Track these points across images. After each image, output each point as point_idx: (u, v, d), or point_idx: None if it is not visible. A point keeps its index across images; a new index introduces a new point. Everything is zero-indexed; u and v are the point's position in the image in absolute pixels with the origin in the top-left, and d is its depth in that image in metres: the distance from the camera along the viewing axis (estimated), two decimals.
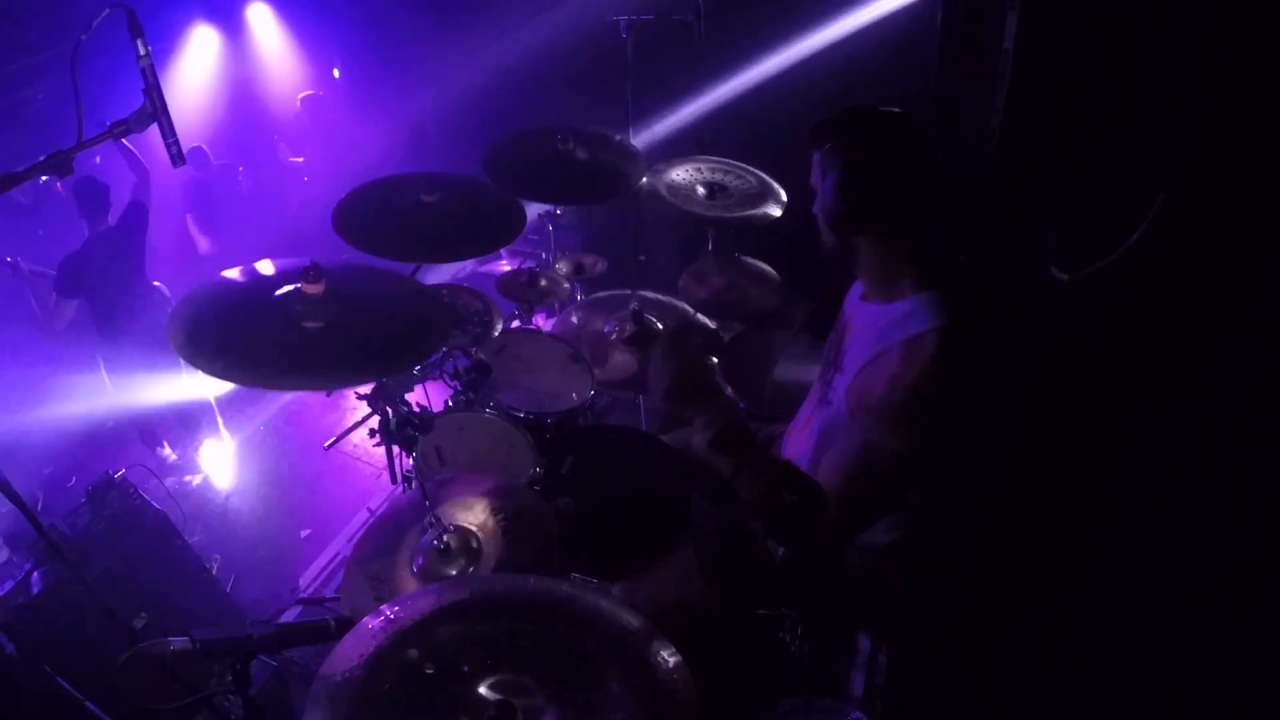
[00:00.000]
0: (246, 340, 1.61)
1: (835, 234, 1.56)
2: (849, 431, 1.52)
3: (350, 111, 6.00)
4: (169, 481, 3.71)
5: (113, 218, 3.73)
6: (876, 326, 1.54)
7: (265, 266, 1.83)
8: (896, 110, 1.50)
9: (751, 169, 2.90)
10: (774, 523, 1.51)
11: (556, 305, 3.14)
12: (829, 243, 1.59)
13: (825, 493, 1.44)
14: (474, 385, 2.45)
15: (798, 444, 1.79)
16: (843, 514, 1.48)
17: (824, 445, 1.61)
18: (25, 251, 3.93)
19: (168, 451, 4.23)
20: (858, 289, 1.72)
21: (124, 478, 2.75)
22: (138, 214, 3.80)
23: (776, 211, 2.74)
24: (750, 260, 3.02)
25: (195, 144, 5.08)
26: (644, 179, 2.81)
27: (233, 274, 1.79)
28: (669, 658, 1.22)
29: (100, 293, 3.72)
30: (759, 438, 1.91)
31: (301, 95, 5.71)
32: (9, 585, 2.35)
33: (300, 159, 5.10)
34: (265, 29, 5.73)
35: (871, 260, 1.57)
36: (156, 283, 4.00)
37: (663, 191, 2.79)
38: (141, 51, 1.45)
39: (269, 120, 5.80)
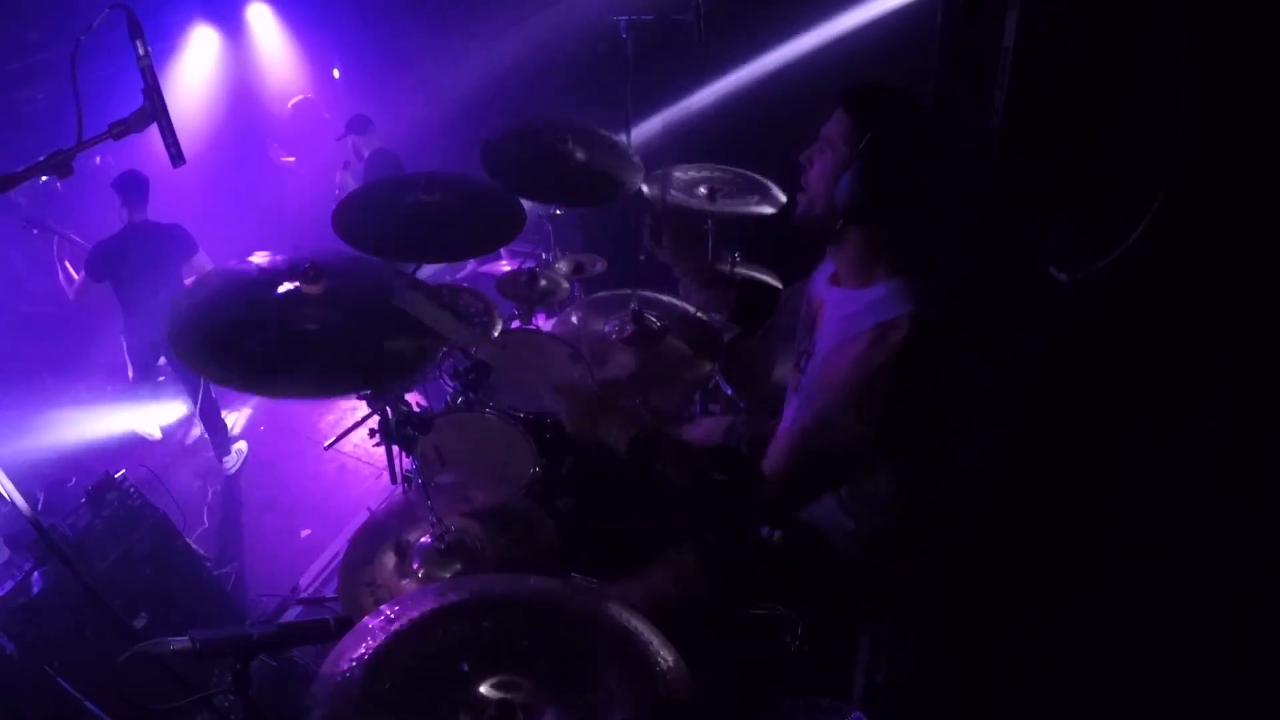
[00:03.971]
0: (245, 343, 1.60)
1: (844, 218, 1.53)
2: (805, 408, 1.54)
3: (350, 111, 6.00)
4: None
5: (153, 214, 3.78)
6: (846, 310, 1.54)
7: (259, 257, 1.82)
8: (925, 105, 1.53)
9: (749, 173, 2.90)
10: (707, 503, 1.56)
11: (556, 305, 3.13)
12: (821, 213, 1.55)
13: (757, 467, 1.50)
14: (474, 385, 2.44)
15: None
16: (781, 487, 1.52)
17: None
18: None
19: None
20: (825, 269, 1.71)
21: (124, 478, 2.75)
22: (185, 241, 3.88)
23: (773, 210, 2.73)
24: (750, 262, 3.02)
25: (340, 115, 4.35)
26: (643, 181, 2.80)
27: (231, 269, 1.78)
28: (669, 657, 1.22)
29: (132, 281, 3.75)
30: (756, 436, 1.92)
31: (293, 101, 5.71)
32: (9, 585, 2.36)
33: (291, 159, 5.07)
34: (265, 29, 5.74)
35: (856, 245, 1.56)
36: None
37: (662, 192, 2.78)
38: (141, 51, 1.45)
39: (265, 120, 5.80)
